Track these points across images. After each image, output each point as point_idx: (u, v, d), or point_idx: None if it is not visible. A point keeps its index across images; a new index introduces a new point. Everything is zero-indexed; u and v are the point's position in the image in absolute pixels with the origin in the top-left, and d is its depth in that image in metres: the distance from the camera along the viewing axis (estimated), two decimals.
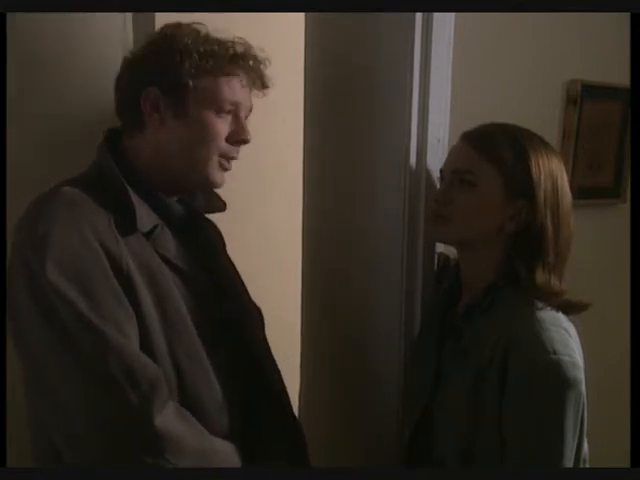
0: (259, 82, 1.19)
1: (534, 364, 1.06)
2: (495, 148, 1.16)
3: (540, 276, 1.14)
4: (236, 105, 1.15)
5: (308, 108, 1.62)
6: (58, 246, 0.99)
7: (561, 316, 1.13)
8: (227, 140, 1.15)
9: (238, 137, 1.16)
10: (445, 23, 1.34)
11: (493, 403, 1.10)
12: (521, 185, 1.15)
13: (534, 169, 1.15)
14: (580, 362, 1.07)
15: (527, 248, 1.15)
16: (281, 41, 1.61)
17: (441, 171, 1.26)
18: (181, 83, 1.10)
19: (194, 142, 1.12)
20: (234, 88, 1.14)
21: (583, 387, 1.06)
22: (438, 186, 1.30)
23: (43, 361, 1.00)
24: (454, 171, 1.21)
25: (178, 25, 1.15)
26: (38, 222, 1.01)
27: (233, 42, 1.14)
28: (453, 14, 1.35)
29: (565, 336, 1.08)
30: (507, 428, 1.09)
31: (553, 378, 1.05)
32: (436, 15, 1.32)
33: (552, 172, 1.16)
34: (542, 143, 1.19)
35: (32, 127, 1.31)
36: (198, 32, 1.14)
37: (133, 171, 1.12)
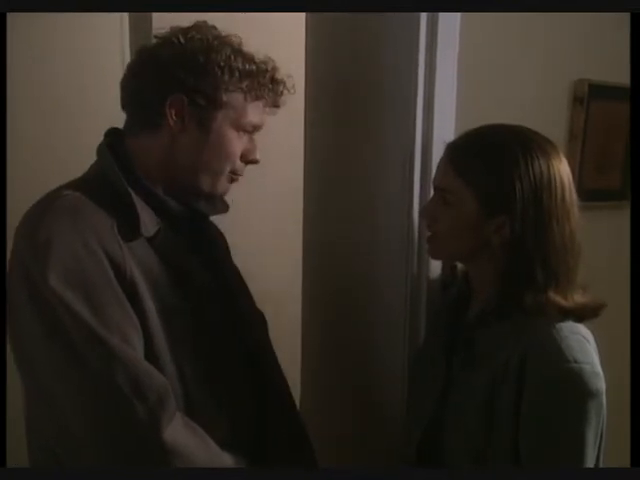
0: (275, 103, 1.17)
1: (554, 373, 1.02)
2: (469, 166, 1.12)
3: (529, 298, 1.06)
4: (255, 127, 1.15)
5: (310, 110, 1.60)
6: (61, 254, 0.96)
7: (579, 323, 1.09)
8: (240, 158, 1.15)
9: (249, 157, 1.16)
10: (450, 23, 1.32)
11: (508, 408, 1.06)
12: (498, 201, 1.09)
13: (509, 183, 1.07)
14: (601, 371, 1.04)
15: (516, 263, 1.09)
16: (282, 41, 1.59)
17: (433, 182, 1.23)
18: (214, 97, 1.08)
19: (212, 156, 1.12)
20: (258, 111, 1.14)
21: (604, 398, 1.03)
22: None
23: (47, 374, 0.97)
24: (436, 188, 1.19)
25: (207, 28, 1.11)
26: (39, 229, 0.98)
27: (266, 63, 1.13)
28: (458, 14, 1.33)
29: (585, 344, 1.05)
30: (525, 438, 1.05)
31: (574, 388, 1.01)
32: (441, 15, 1.31)
33: (536, 182, 1.06)
34: (529, 147, 1.09)
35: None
36: (233, 44, 1.11)
37: (134, 171, 1.09)
